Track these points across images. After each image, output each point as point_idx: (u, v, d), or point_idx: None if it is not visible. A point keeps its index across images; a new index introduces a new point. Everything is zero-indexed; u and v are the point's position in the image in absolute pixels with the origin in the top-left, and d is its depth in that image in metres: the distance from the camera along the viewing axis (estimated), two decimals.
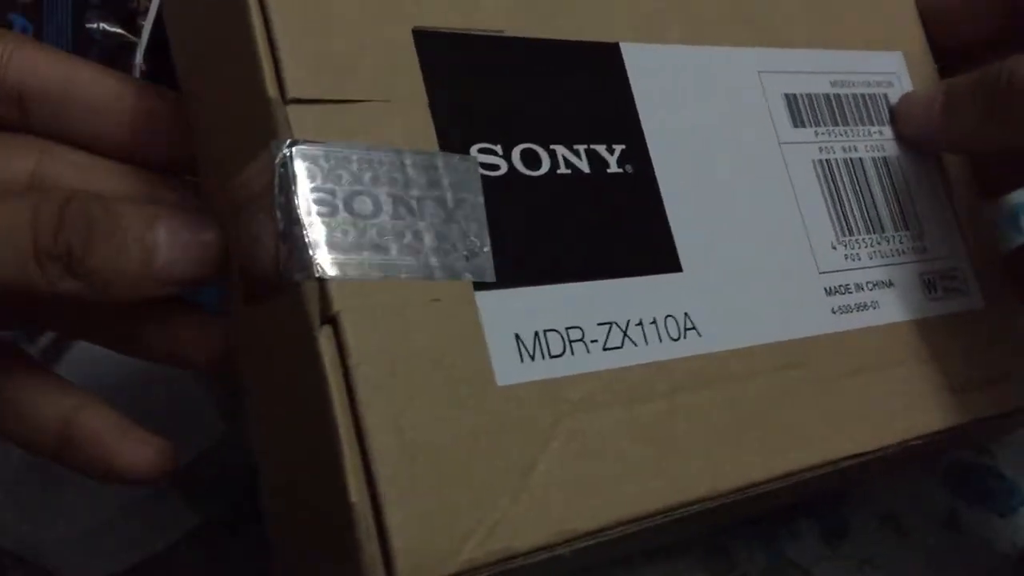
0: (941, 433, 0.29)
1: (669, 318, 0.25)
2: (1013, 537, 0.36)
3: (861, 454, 0.27)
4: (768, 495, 0.26)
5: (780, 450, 0.26)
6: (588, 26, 0.27)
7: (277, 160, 0.21)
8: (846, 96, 0.31)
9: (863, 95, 0.31)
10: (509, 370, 0.22)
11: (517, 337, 0.23)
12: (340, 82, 0.22)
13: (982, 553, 0.36)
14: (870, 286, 0.29)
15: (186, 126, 0.26)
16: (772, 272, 0.27)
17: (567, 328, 0.24)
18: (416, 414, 0.21)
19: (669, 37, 0.28)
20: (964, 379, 0.30)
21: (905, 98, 0.32)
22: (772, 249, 0.28)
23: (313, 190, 0.21)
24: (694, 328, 0.25)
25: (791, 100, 0.30)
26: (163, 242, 0.23)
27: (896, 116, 0.31)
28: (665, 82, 0.27)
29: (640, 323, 0.25)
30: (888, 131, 0.32)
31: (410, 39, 0.24)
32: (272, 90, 0.21)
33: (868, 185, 0.30)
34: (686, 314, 0.25)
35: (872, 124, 0.31)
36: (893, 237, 0.30)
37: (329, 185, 0.21)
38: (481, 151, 0.24)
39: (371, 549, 0.20)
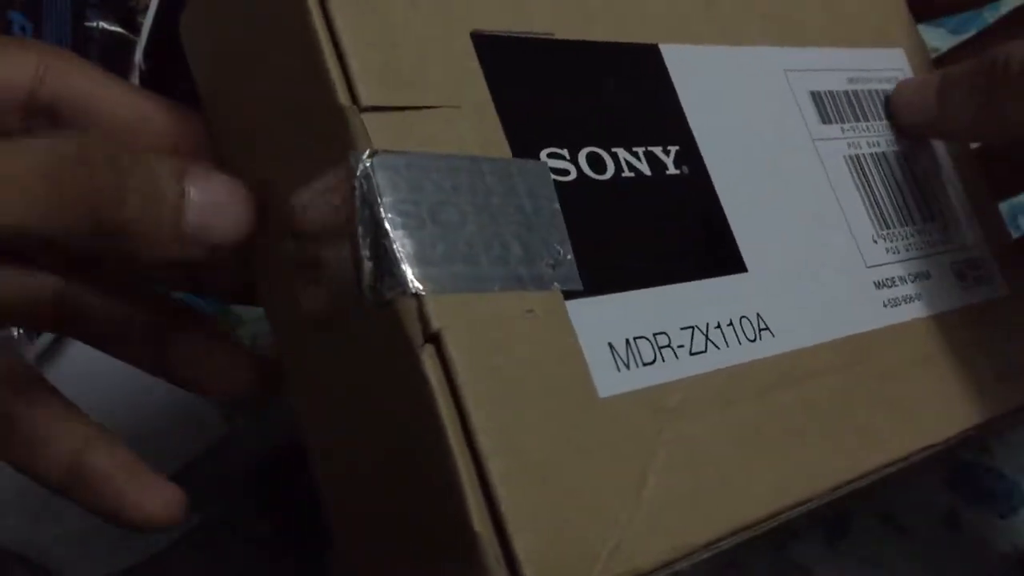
0: (989, 421, 0.29)
1: (744, 319, 0.24)
2: (1013, 537, 0.36)
3: (932, 445, 0.27)
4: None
5: (861, 447, 0.25)
6: (628, 28, 0.26)
7: (359, 172, 0.20)
8: (863, 92, 0.31)
9: (876, 91, 0.31)
10: (609, 381, 0.21)
11: (611, 346, 0.22)
12: (410, 89, 0.21)
13: (982, 553, 0.36)
14: (911, 278, 0.29)
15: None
16: (826, 269, 0.27)
17: (654, 334, 0.23)
18: (528, 433, 0.20)
19: (702, 37, 0.28)
20: (1001, 367, 0.30)
21: (900, 85, 0.32)
22: (822, 245, 0.27)
23: (399, 201, 0.20)
24: (767, 328, 0.25)
25: (816, 97, 0.30)
26: (194, 196, 0.21)
27: (892, 105, 0.31)
28: (705, 82, 0.27)
29: (719, 326, 0.24)
30: None
31: (469, 43, 0.23)
32: (344, 98, 0.20)
33: (895, 179, 0.30)
34: (758, 314, 0.25)
35: (889, 119, 0.31)
36: (924, 229, 0.30)
37: (414, 196, 0.20)
38: (550, 156, 0.23)
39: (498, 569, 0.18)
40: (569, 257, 0.22)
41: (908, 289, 0.29)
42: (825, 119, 0.29)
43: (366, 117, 0.20)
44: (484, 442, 0.19)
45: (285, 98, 0.22)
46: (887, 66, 0.32)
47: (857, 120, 0.30)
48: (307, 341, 0.22)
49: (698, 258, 0.24)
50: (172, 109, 0.24)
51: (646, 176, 0.24)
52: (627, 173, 0.24)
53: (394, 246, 0.19)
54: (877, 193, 0.29)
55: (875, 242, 0.29)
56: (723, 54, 0.28)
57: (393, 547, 0.21)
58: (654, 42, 0.26)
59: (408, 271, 0.19)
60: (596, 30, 0.25)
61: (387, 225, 0.20)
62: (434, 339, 0.19)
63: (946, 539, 0.36)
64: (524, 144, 0.22)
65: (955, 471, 0.37)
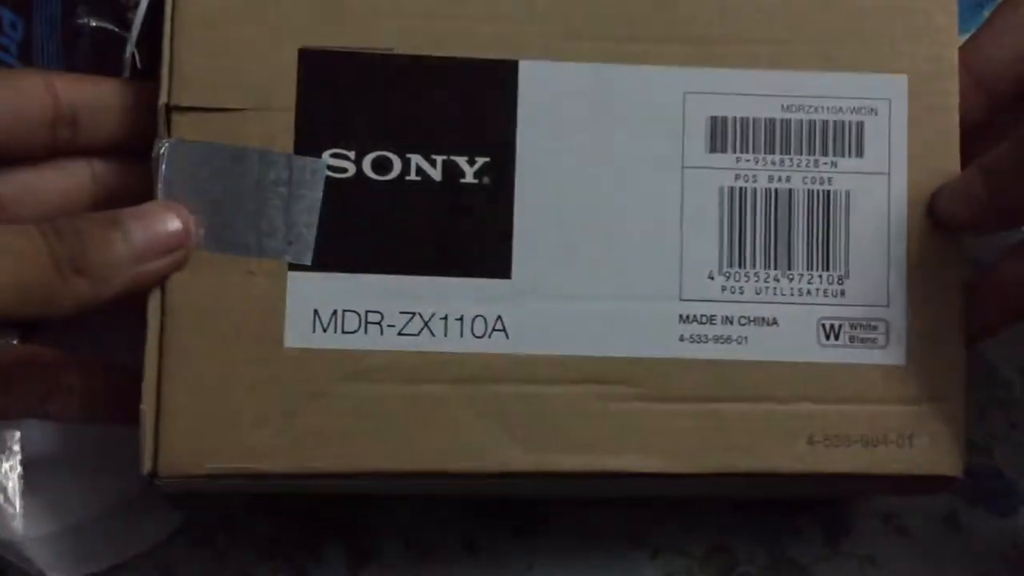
0: (769, 477, 0.29)
1: (479, 318, 0.29)
2: (1013, 537, 0.36)
3: (639, 474, 0.29)
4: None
5: (553, 451, 0.29)
6: (489, 44, 0.30)
7: (154, 154, 0.29)
8: (799, 122, 0.30)
9: (827, 122, 0.30)
10: (300, 337, 0.29)
11: (316, 312, 0.29)
12: (219, 94, 0.29)
13: (982, 552, 0.36)
14: (744, 321, 0.30)
15: None
16: (621, 293, 0.29)
17: (367, 311, 0.29)
18: (208, 359, 0.28)
19: (584, 55, 0.30)
20: (835, 432, 0.29)
21: (940, 194, 0.30)
22: (630, 271, 0.30)
23: (175, 179, 0.29)
24: (503, 330, 0.29)
25: (716, 123, 0.30)
26: (134, 232, 0.28)
27: (936, 213, 0.30)
28: (563, 101, 0.30)
29: (445, 318, 0.29)
30: (846, 163, 0.30)
31: (295, 56, 0.29)
32: (164, 97, 0.29)
33: (789, 219, 0.30)
34: (499, 317, 0.29)
35: (827, 155, 0.30)
36: (801, 276, 0.30)
37: (189, 174, 0.29)
38: (333, 155, 0.29)
39: (147, 442, 0.28)
40: (310, 237, 0.29)
41: (730, 330, 0.30)
42: (717, 147, 0.30)
43: (173, 115, 0.29)
44: (168, 356, 0.28)
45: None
46: (864, 95, 0.30)
47: (770, 152, 0.30)
48: None
49: (458, 258, 0.29)
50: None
51: (434, 181, 0.29)
52: (413, 177, 0.29)
53: None
54: (747, 230, 0.30)
55: (711, 278, 0.30)
56: (605, 73, 0.30)
57: None
58: (515, 59, 0.30)
59: None
60: (448, 47, 0.30)
61: (158, 195, 0.29)
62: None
63: (946, 538, 0.36)
64: (310, 143, 0.29)
65: None
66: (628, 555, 0.37)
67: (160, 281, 0.28)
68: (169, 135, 0.29)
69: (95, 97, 0.30)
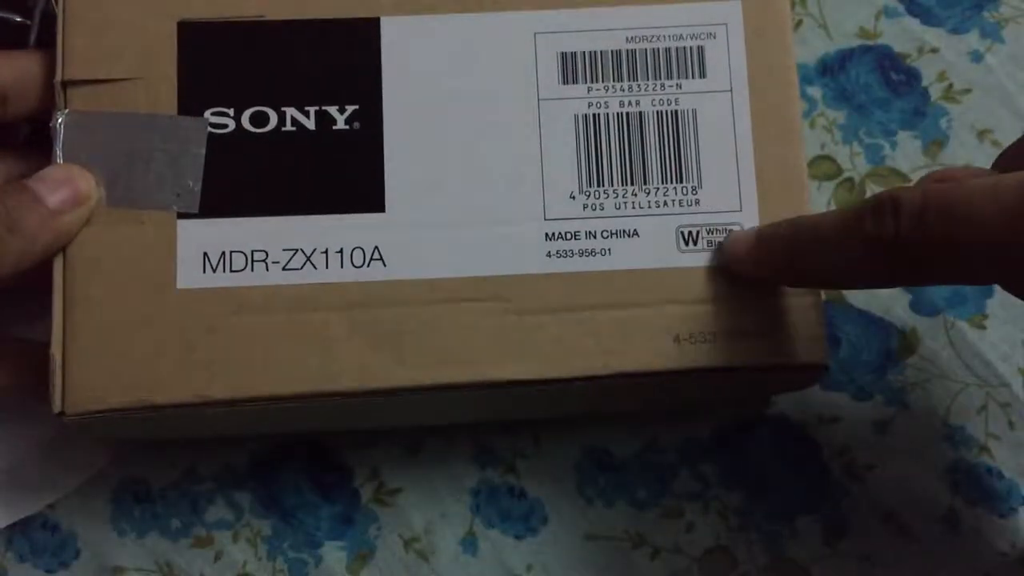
0: (645, 376, 0.31)
1: (357, 249, 0.31)
2: (1012, 537, 0.36)
3: (528, 381, 0.31)
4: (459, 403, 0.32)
5: (433, 365, 0.31)
6: (353, 4, 0.33)
7: (51, 124, 0.32)
8: (643, 51, 0.33)
9: (668, 49, 0.33)
10: (190, 278, 0.31)
11: (205, 255, 0.31)
12: (107, 66, 0.32)
13: (981, 552, 0.36)
14: (606, 235, 0.32)
15: None
16: (488, 217, 0.32)
17: (253, 251, 0.31)
18: (106, 304, 0.31)
19: (441, 7, 0.33)
20: (700, 329, 0.31)
21: (732, 236, 0.32)
22: (496, 198, 0.32)
23: (72, 146, 0.31)
24: (380, 259, 0.31)
25: (566, 58, 0.33)
26: (42, 190, 0.30)
27: (723, 249, 0.32)
28: (422, 51, 0.32)
29: (326, 252, 0.31)
30: (690, 84, 0.33)
31: (174, 28, 0.32)
32: (59, 74, 0.32)
33: (641, 138, 0.32)
34: (376, 247, 0.31)
35: (671, 78, 0.33)
36: (656, 189, 0.32)
37: (84, 140, 0.31)
38: (214, 114, 0.32)
39: (56, 383, 0.30)
40: (196, 188, 0.31)
41: (593, 244, 0.32)
42: (568, 79, 0.33)
43: (69, 89, 0.32)
44: (71, 305, 0.31)
45: None
46: (702, 22, 0.33)
47: (618, 80, 0.33)
48: None
49: (336, 197, 0.32)
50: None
51: (308, 130, 0.32)
52: (288, 127, 0.32)
53: None
54: (602, 152, 0.32)
55: (572, 198, 0.32)
56: (460, 22, 0.33)
57: None
58: (376, 16, 0.33)
59: None
60: (314, 9, 0.33)
61: (57, 160, 0.31)
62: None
63: (945, 538, 0.37)
64: (192, 105, 0.32)
65: (955, 471, 0.37)
66: (628, 555, 0.38)
67: (74, 234, 0.31)
68: (65, 107, 0.32)
69: (18, 71, 0.32)
